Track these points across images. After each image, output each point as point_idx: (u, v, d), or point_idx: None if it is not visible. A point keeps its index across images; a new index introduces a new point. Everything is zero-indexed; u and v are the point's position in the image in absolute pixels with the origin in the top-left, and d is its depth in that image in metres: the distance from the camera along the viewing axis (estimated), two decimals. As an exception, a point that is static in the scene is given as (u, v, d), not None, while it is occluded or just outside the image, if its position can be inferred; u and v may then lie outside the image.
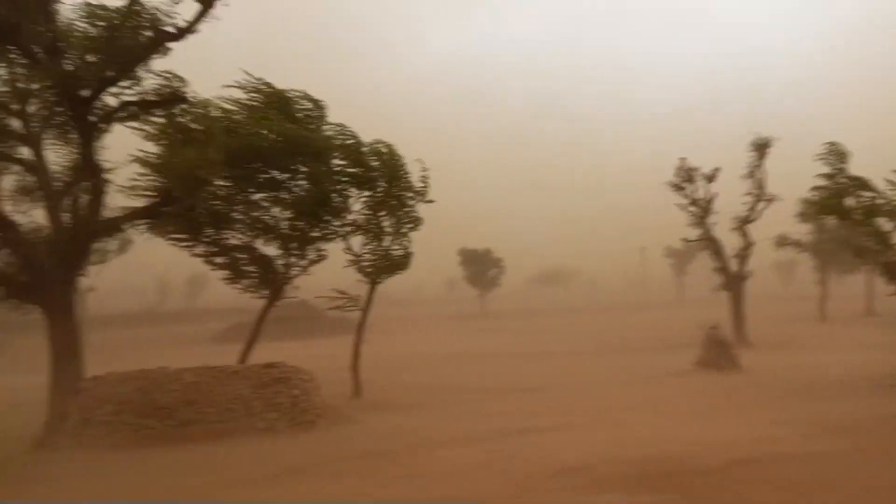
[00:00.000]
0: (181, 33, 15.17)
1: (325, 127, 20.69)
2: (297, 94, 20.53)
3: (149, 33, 14.72)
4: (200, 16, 15.26)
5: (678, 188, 39.66)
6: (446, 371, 29.43)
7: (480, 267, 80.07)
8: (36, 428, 15.73)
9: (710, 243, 40.69)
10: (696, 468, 9.92)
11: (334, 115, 21.14)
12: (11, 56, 14.73)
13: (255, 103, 19.67)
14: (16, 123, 15.46)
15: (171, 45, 15.32)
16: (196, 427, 15.86)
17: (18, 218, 16.14)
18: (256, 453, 13.88)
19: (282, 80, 20.56)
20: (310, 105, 20.59)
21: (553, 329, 49.36)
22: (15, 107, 15.24)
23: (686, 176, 39.58)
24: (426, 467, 11.22)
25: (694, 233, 40.94)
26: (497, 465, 10.88)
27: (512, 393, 22.04)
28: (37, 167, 15.69)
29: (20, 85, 15.17)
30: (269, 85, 20.07)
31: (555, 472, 10.13)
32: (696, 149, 52.22)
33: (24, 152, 15.82)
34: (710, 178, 39.63)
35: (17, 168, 15.96)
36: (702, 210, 39.67)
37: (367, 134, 21.80)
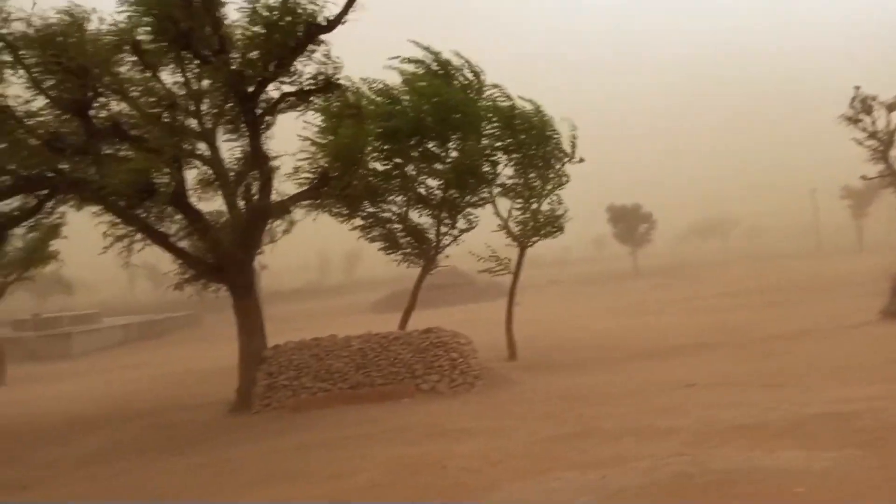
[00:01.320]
0: (332, 25, 15.88)
1: (483, 95, 21.05)
2: (459, 62, 21.01)
3: (302, 27, 15.54)
4: (349, 6, 15.85)
5: (854, 121, 35.45)
6: (600, 330, 29.00)
7: (630, 223, 77.24)
8: (229, 393, 17.67)
9: (893, 179, 36.16)
10: (884, 424, 9.09)
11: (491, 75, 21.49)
12: (185, 60, 16.30)
13: (416, 74, 20.49)
14: (192, 122, 17.10)
15: (323, 36, 16.06)
16: (366, 389, 17.06)
17: (202, 207, 17.99)
18: (427, 412, 14.57)
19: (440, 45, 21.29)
20: (469, 74, 21.03)
21: (711, 283, 46.62)
22: (191, 107, 16.87)
23: (863, 107, 35.21)
24: (591, 425, 11.23)
25: (874, 169, 36.54)
26: (663, 423, 10.65)
27: (671, 351, 21.30)
28: (213, 160, 17.31)
29: (194, 86, 16.77)
30: (433, 54, 20.78)
31: (725, 429, 9.74)
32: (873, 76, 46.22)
33: (202, 147, 17.48)
34: (893, 108, 34.99)
35: (197, 162, 17.70)
36: (883, 143, 35.23)
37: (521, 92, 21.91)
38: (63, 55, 13.96)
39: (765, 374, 15.49)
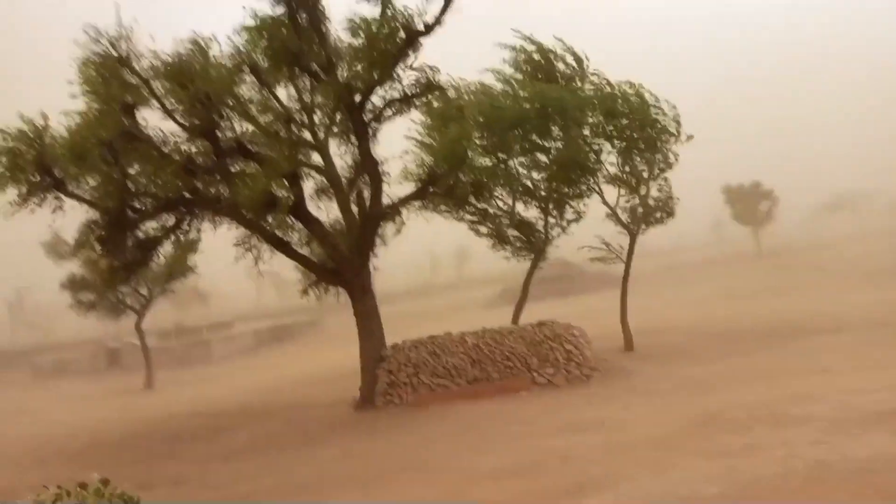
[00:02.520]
0: (429, 28, 16.31)
1: (587, 82, 20.83)
2: (562, 50, 20.94)
3: (402, 34, 16.05)
4: (445, 8, 16.21)
5: None
6: (720, 316, 27.68)
7: (749, 202, 72.65)
8: (353, 391, 18.50)
9: None
10: None
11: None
12: (297, 77, 17.28)
13: (517, 66, 20.55)
14: (306, 134, 18.09)
15: (422, 40, 16.51)
16: (483, 384, 17.35)
17: (319, 215, 18.96)
18: (545, 405, 14.62)
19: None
20: (572, 61, 20.88)
21: (842, 262, 43.08)
22: (304, 120, 17.86)
23: None
24: (717, 414, 10.89)
25: None
26: (797, 410, 10.15)
27: (798, 334, 20.00)
28: (327, 169, 18.21)
29: (306, 100, 17.74)
30: (535, 43, 20.83)
31: (866, 416, 9.14)
32: None
33: (316, 158, 18.45)
34: None
35: (312, 172, 18.69)
36: None
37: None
38: (190, 84, 15.22)
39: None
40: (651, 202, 21.80)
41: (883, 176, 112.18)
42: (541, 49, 20.95)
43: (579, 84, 20.84)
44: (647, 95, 20.77)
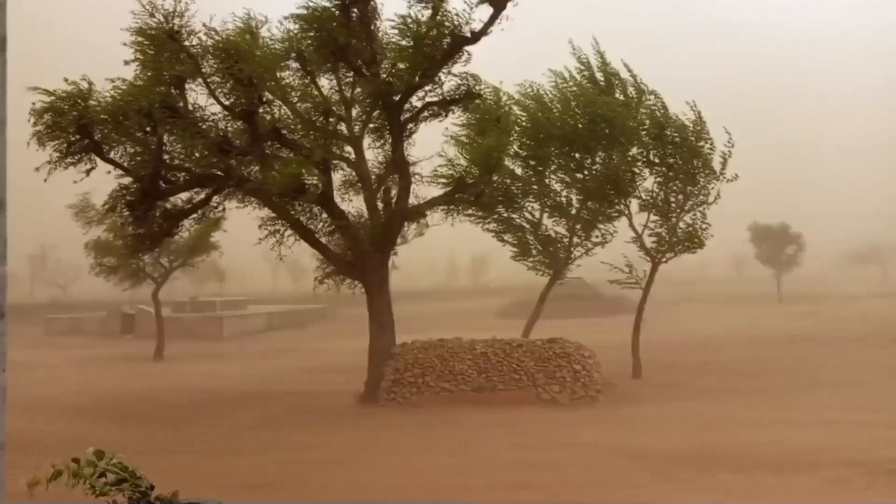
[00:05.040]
0: (476, 37, 16.39)
1: (642, 109, 20.79)
2: (626, 76, 20.98)
3: (448, 40, 16.15)
4: (493, 19, 16.30)
5: None
6: (732, 356, 27.37)
7: (775, 244, 71.49)
8: (358, 384, 18.60)
9: None
10: None
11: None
12: (340, 70, 17.48)
13: (572, 84, 20.61)
14: (342, 127, 18.28)
15: (467, 48, 16.60)
16: (486, 393, 17.35)
17: (345, 207, 19.13)
18: (547, 421, 14.58)
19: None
20: (632, 88, 20.85)
21: (864, 315, 42.34)
22: (342, 113, 18.05)
23: None
24: (721, 452, 10.80)
25: None
26: (804, 458, 10.03)
27: (810, 384, 19.74)
28: (358, 164, 18.40)
29: (346, 94, 17.94)
30: (603, 63, 20.83)
31: (878, 471, 9.02)
32: None
33: (349, 151, 18.63)
34: None
35: (343, 165, 18.89)
36: None
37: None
38: (235, 66, 15.47)
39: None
40: (680, 232, 21.65)
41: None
42: (605, 71, 20.90)
43: (634, 111, 20.76)
44: (703, 128, 20.61)
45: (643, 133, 20.74)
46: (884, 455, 10.32)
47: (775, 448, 11.05)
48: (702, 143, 20.65)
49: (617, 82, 20.85)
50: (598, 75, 20.85)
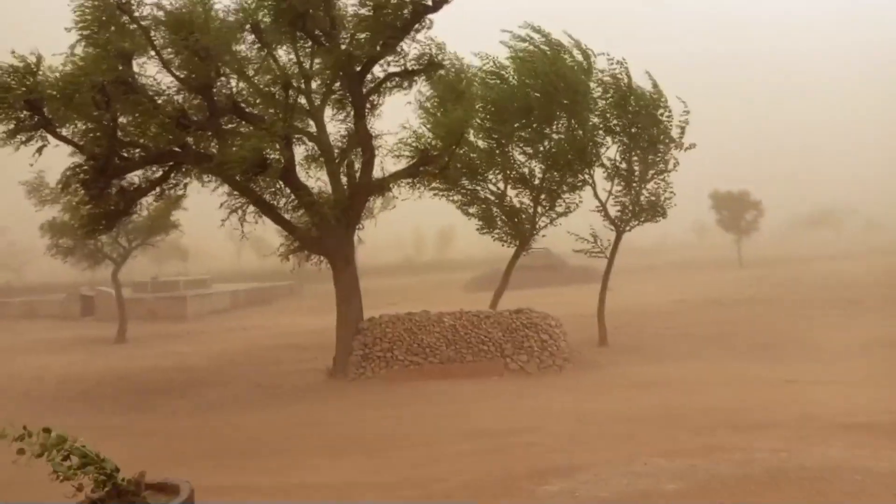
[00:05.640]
0: (437, 5, 16.08)
1: (591, 77, 20.80)
2: (570, 42, 20.91)
3: (409, 8, 15.83)
4: None
5: None
6: (695, 320, 28.11)
7: (735, 211, 73.26)
8: (327, 360, 18.60)
9: None
10: None
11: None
12: (299, 40, 17.05)
13: (523, 55, 20.56)
14: (303, 100, 17.91)
15: (430, 16, 16.29)
16: (456, 365, 17.52)
17: (308, 182, 18.85)
18: (515, 391, 14.79)
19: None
20: (579, 55, 20.84)
21: (817, 276, 43.81)
22: (302, 85, 17.66)
23: None
24: (682, 414, 11.11)
25: None
26: (759, 416, 10.39)
27: (772, 346, 20.41)
28: (320, 138, 18.09)
29: (305, 65, 17.54)
30: (543, 35, 20.74)
31: (827, 426, 9.40)
32: None
33: (310, 125, 18.28)
34: None
35: (305, 139, 18.55)
36: None
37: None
38: (190, 37, 14.98)
39: (876, 377, 14.66)
40: (643, 200, 21.95)
41: (864, 193, 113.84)
42: (549, 42, 20.86)
43: (584, 77, 20.81)
44: (660, 96, 20.82)
45: (604, 100, 20.86)
46: (840, 409, 10.75)
47: (733, 407, 11.42)
48: (661, 111, 20.89)
49: (564, 53, 20.84)
50: (544, 47, 20.81)
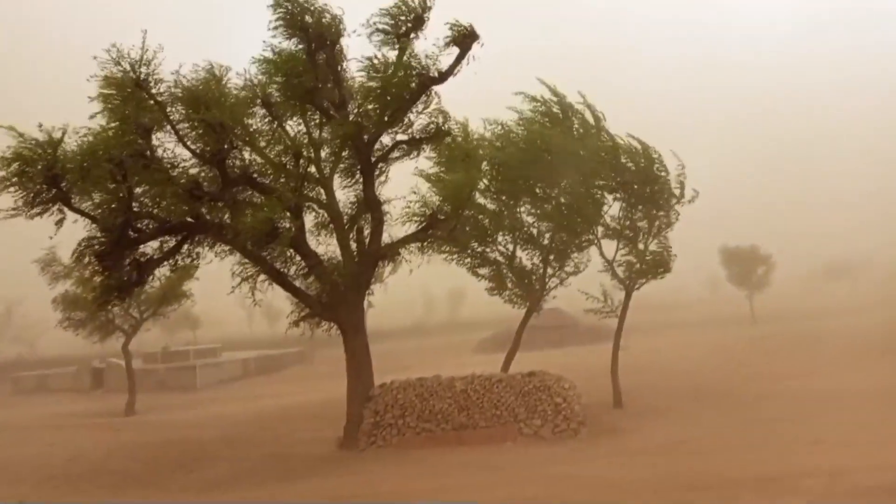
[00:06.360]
0: (443, 77, 16.61)
1: (602, 139, 21.19)
2: (581, 106, 21.39)
3: (416, 80, 16.33)
4: (459, 59, 16.55)
5: None
6: (711, 379, 27.55)
7: (745, 266, 72.86)
8: (338, 429, 18.23)
9: None
10: None
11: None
12: (308, 112, 17.55)
13: (534, 115, 21.01)
14: (312, 169, 18.27)
15: (435, 88, 16.80)
16: (468, 431, 17.14)
17: (318, 249, 19.00)
18: (529, 458, 14.40)
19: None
20: (589, 117, 21.30)
21: (837, 333, 43.01)
22: (311, 154, 18.05)
23: None
24: (705, 478, 10.76)
25: None
26: (787, 479, 10.03)
27: (794, 402, 19.88)
28: (329, 205, 18.35)
29: (314, 135, 17.98)
30: (557, 96, 21.25)
31: (855, 489, 9.06)
32: None
33: (320, 193, 18.58)
34: None
35: (314, 206, 18.82)
36: None
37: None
38: (204, 112, 15.46)
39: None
40: (648, 257, 21.94)
41: (880, 245, 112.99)
42: (561, 103, 21.36)
43: (595, 140, 21.18)
44: (653, 154, 21.13)
45: (599, 161, 21.13)
46: (862, 476, 10.37)
47: (754, 465, 11.06)
48: (656, 167, 21.14)
49: (571, 113, 21.28)
50: (555, 109, 21.28)
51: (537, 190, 21.24)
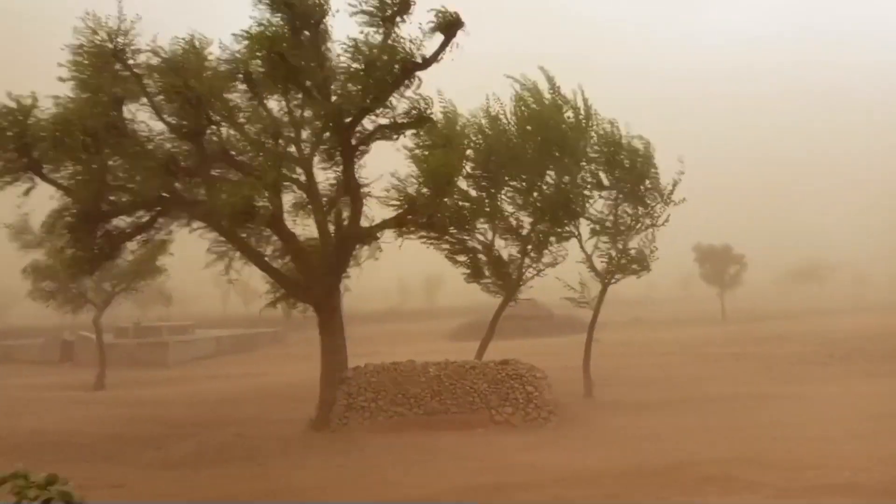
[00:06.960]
0: (427, 63, 16.45)
1: (590, 132, 21.19)
2: (573, 93, 21.39)
3: (399, 65, 16.16)
4: (443, 46, 16.40)
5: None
6: (680, 374, 27.99)
7: (718, 264, 74.01)
8: (310, 410, 18.20)
9: None
10: None
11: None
12: (290, 91, 17.31)
13: (522, 107, 20.94)
14: (292, 149, 18.07)
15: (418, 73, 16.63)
16: (440, 417, 17.21)
17: (295, 229, 18.83)
18: (500, 445, 14.50)
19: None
20: (581, 110, 21.28)
21: (803, 334, 43.90)
22: (292, 134, 17.85)
23: None
24: (672, 468, 10.94)
25: None
26: (748, 474, 10.23)
27: (754, 401, 20.26)
28: (308, 186, 18.18)
29: (296, 115, 17.76)
30: (550, 81, 21.17)
31: (813, 487, 9.27)
32: None
33: (299, 173, 18.39)
34: None
35: (293, 187, 18.63)
36: None
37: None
38: (182, 85, 15.17)
39: (868, 434, 14.55)
40: (630, 253, 22.12)
41: (847, 248, 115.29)
42: (554, 95, 21.28)
43: (584, 131, 21.19)
44: (653, 155, 21.23)
45: (594, 155, 21.20)
46: (821, 472, 10.62)
47: (718, 465, 11.26)
48: (651, 169, 21.26)
49: (566, 106, 21.27)
50: (547, 97, 21.24)
51: (523, 177, 21.19)
